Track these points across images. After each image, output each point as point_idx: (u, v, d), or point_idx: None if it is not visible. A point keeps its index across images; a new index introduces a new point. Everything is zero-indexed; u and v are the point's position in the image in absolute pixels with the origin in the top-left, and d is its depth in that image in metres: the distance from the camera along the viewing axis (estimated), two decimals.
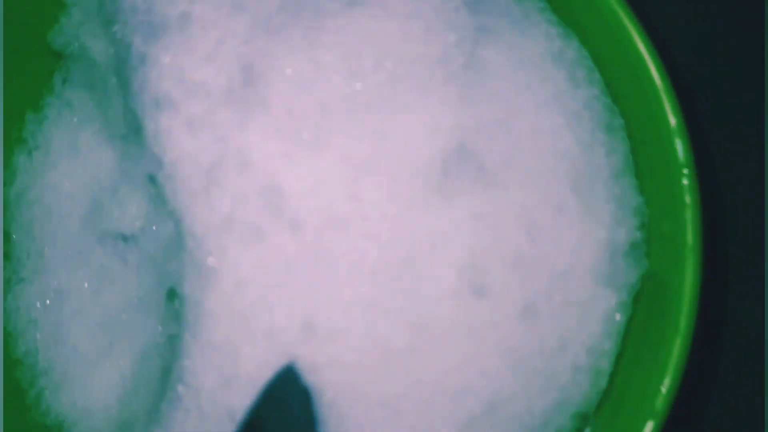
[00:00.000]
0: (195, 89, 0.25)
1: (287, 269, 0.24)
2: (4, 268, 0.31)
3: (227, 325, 0.25)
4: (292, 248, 0.24)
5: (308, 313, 0.24)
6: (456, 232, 0.25)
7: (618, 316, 0.27)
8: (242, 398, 0.24)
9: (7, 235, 0.32)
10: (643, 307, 0.27)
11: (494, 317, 0.26)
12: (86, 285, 0.31)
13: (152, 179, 0.26)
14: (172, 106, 0.25)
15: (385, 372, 0.25)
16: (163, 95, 0.25)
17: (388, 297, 0.25)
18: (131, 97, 0.26)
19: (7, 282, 0.31)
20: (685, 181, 0.27)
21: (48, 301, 0.31)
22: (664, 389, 0.25)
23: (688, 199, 0.27)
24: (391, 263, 0.25)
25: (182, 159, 0.24)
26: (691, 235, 0.26)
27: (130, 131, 0.29)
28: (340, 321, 0.25)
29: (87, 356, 0.31)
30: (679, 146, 0.27)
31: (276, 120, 0.24)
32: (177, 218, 0.25)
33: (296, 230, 0.24)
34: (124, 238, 0.31)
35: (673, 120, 0.27)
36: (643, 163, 0.28)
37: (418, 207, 0.25)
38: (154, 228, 0.29)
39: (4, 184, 0.32)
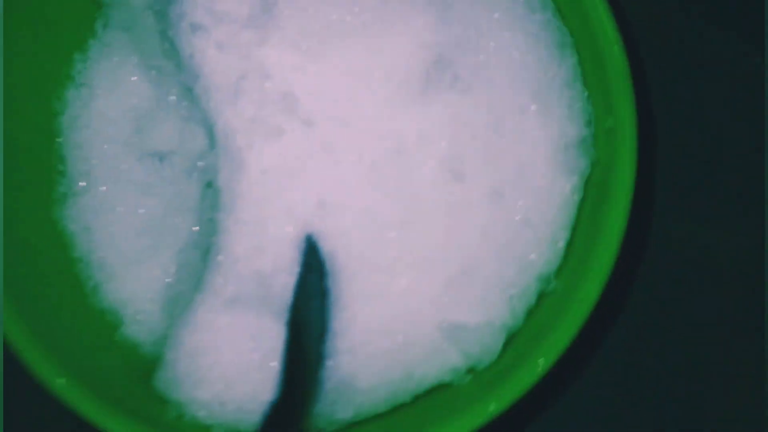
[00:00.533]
0: (222, 17, 0.30)
1: (302, 158, 0.30)
2: (61, 184, 0.37)
3: (255, 206, 0.31)
4: (305, 142, 0.30)
5: (320, 193, 0.30)
6: (437, 128, 0.31)
7: (573, 196, 0.33)
8: (271, 263, 0.30)
9: (62, 157, 0.38)
10: (591, 188, 0.33)
11: (469, 198, 0.32)
12: (129, 196, 0.37)
13: (189, 92, 0.32)
14: (205, 31, 0.30)
15: (381, 241, 0.31)
16: (197, 23, 0.30)
17: (383, 180, 0.31)
18: (169, 26, 0.31)
19: (64, 195, 0.37)
20: (621, 84, 0.33)
21: (98, 211, 0.37)
22: (609, 249, 0.31)
23: (624, 98, 0.33)
24: (385, 153, 0.31)
25: (214, 73, 0.30)
26: (627, 127, 0.33)
27: (166, 60, 0.34)
28: (346, 199, 0.31)
29: (133, 254, 0.36)
30: (615, 54, 0.33)
31: (289, 39, 0.30)
32: (211, 122, 0.31)
33: (308, 127, 0.31)
34: (161, 157, 0.37)
35: (609, 34, 0.33)
36: (587, 73, 0.34)
37: (406, 108, 0.31)
38: (187, 140, 0.35)
39: (58, 114, 0.38)
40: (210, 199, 0.33)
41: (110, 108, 0.38)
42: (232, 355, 0.31)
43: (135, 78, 0.37)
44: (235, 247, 0.31)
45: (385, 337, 0.31)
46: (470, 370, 0.33)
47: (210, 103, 0.31)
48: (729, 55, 0.37)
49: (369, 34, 0.31)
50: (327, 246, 0.30)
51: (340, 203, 0.31)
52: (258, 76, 0.30)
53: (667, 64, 0.36)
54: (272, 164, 0.30)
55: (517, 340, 0.33)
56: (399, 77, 0.31)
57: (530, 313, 0.33)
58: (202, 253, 0.34)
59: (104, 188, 0.37)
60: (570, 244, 0.33)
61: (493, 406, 0.31)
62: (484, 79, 0.32)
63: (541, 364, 0.31)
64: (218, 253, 0.31)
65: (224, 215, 0.31)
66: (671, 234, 0.35)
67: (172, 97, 0.36)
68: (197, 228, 0.35)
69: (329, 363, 0.29)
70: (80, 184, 0.37)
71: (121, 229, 0.37)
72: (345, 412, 0.30)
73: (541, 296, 0.33)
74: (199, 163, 0.33)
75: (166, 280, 0.35)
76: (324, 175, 0.30)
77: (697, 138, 0.36)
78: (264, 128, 0.30)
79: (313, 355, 0.28)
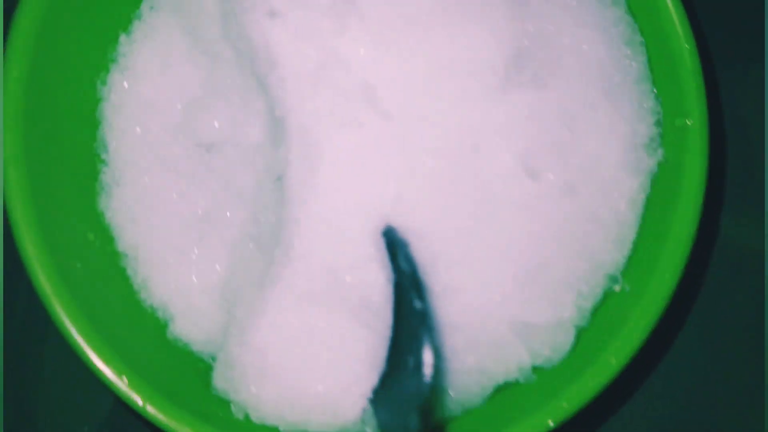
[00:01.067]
0: (301, 3, 0.29)
1: (379, 152, 0.30)
2: (104, 173, 0.36)
3: (329, 199, 0.30)
4: (383, 135, 0.30)
5: (397, 187, 0.30)
6: (513, 124, 0.31)
7: (640, 195, 0.33)
8: (345, 258, 0.30)
9: (105, 145, 0.36)
10: (660, 187, 0.33)
11: (541, 194, 0.31)
12: (175, 187, 0.36)
13: (247, 80, 0.31)
14: (282, 18, 0.29)
15: (456, 236, 0.31)
16: (275, 9, 0.29)
17: (458, 175, 0.30)
18: (243, 11, 0.30)
19: (108, 186, 0.36)
20: (692, 84, 0.33)
21: (143, 202, 0.36)
22: (680, 249, 0.32)
23: (695, 98, 0.33)
24: (461, 148, 0.31)
25: (293, 62, 0.29)
26: (698, 126, 0.33)
27: (224, 46, 0.33)
28: (422, 194, 0.30)
29: (181, 248, 0.35)
30: (686, 55, 0.33)
31: (369, 29, 0.29)
32: (280, 113, 0.30)
33: (387, 120, 0.30)
34: (208, 148, 0.36)
35: (680, 32, 0.33)
36: (657, 72, 0.34)
37: (483, 102, 0.31)
38: (241, 131, 0.34)
39: (101, 100, 0.36)
40: (274, 192, 0.31)
41: (157, 94, 0.36)
42: (301, 352, 0.30)
43: (184, 64, 0.36)
44: (307, 240, 0.30)
45: (457, 331, 0.31)
46: (537, 369, 0.32)
47: (285, 93, 0.30)
48: None
49: (449, 27, 0.30)
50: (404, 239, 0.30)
51: (417, 198, 0.30)
52: (337, 67, 0.29)
53: (738, 63, 0.36)
54: (348, 157, 0.29)
55: (584, 339, 0.33)
56: (478, 71, 0.30)
57: (597, 312, 0.33)
58: (260, 246, 0.33)
59: (148, 178, 0.35)
60: (638, 244, 0.33)
61: (566, 406, 0.31)
62: (558, 75, 0.32)
63: (614, 363, 0.31)
64: (289, 248, 0.30)
65: (295, 208, 0.30)
66: (739, 236, 0.35)
67: (227, 85, 0.35)
68: (254, 220, 0.34)
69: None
70: (125, 175, 0.36)
71: (167, 221, 0.35)
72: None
73: (608, 295, 0.33)
74: (259, 157, 0.32)
75: (219, 274, 0.34)
76: (401, 169, 0.30)
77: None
78: (342, 120, 0.29)
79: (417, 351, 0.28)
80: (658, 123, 0.33)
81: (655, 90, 0.33)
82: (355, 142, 0.30)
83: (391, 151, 0.30)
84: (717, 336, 0.36)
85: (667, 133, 0.33)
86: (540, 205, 0.32)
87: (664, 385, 0.35)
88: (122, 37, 0.36)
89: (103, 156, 0.36)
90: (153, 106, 0.36)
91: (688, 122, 0.32)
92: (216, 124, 0.35)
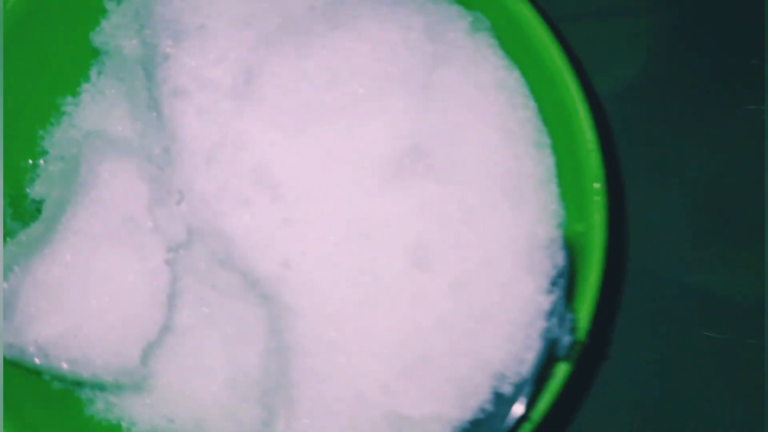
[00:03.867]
0: (205, 84, 0.31)
1: (269, 230, 0.30)
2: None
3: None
4: (273, 215, 0.31)
5: (285, 258, 0.30)
6: (406, 215, 0.31)
7: (537, 296, 0.33)
8: None
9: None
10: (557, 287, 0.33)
11: (431, 288, 0.32)
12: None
13: (166, 151, 0.32)
14: (187, 96, 0.31)
15: (338, 320, 0.31)
16: (181, 87, 0.31)
17: (346, 261, 0.31)
18: (155, 86, 0.32)
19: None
20: (596, 195, 0.33)
21: None
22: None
23: (597, 208, 0.33)
24: (352, 235, 0.31)
25: (191, 137, 0.31)
26: (597, 236, 0.33)
27: (151, 115, 0.35)
28: (306, 276, 0.31)
29: None
30: (593, 164, 0.33)
31: (268, 113, 0.31)
32: (183, 182, 0.31)
33: (277, 201, 0.31)
34: None
35: (589, 144, 0.33)
36: (563, 175, 0.34)
37: (377, 192, 0.31)
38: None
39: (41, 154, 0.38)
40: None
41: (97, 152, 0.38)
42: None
43: (120, 127, 0.38)
44: None
45: (331, 417, 0.31)
46: None
47: (183, 165, 0.31)
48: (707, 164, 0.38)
49: (347, 116, 0.31)
50: (286, 316, 0.30)
51: (300, 278, 0.31)
52: (233, 145, 0.31)
53: (644, 169, 0.37)
54: (238, 232, 0.30)
55: None
56: (372, 162, 0.31)
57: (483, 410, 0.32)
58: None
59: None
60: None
61: None
62: (458, 171, 0.32)
63: None
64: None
65: None
66: (634, 338, 0.35)
67: (156, 153, 0.36)
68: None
69: None
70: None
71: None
72: None
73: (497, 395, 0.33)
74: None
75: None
76: (290, 246, 0.31)
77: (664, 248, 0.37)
78: (232, 198, 0.31)
79: None
80: (559, 226, 0.33)
81: (559, 193, 0.34)
82: (245, 219, 0.31)
83: (279, 230, 0.31)
84: None
85: (567, 236, 0.33)
86: (429, 298, 0.32)
87: None
88: (68, 98, 0.39)
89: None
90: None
91: (583, 229, 0.32)
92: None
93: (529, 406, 0.30)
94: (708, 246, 0.37)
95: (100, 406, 0.36)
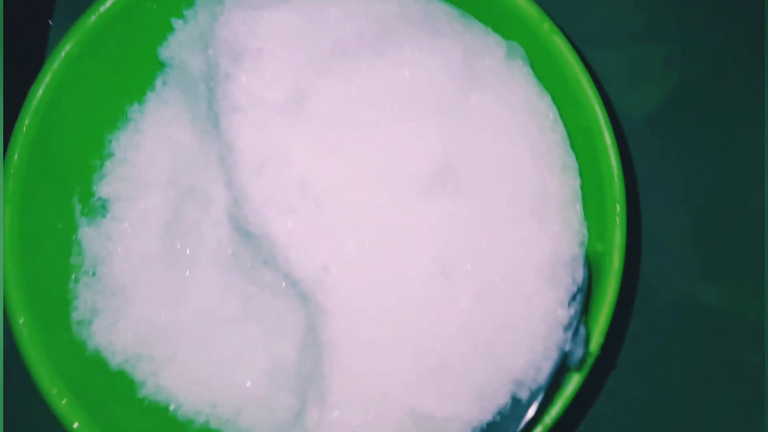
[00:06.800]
0: (260, 101, 0.34)
1: (310, 236, 0.33)
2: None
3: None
4: (314, 223, 0.34)
5: (324, 263, 0.33)
6: (435, 227, 0.34)
7: (556, 310, 0.35)
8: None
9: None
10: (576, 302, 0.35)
11: (454, 295, 0.34)
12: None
13: (223, 161, 0.35)
14: (244, 112, 0.34)
15: (372, 322, 0.34)
16: (239, 103, 0.34)
17: (380, 268, 0.34)
18: (215, 101, 0.35)
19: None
20: (616, 218, 0.35)
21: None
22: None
23: (617, 230, 0.35)
24: (385, 244, 0.34)
25: (246, 149, 0.34)
26: (616, 256, 0.35)
27: (211, 126, 0.38)
28: (341, 278, 0.33)
29: None
30: (616, 189, 0.35)
31: (313, 131, 0.34)
32: (236, 189, 0.34)
33: (318, 210, 0.34)
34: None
35: (613, 170, 0.35)
36: (587, 197, 0.36)
37: (409, 205, 0.34)
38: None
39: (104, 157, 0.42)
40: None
41: (156, 156, 0.42)
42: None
43: (183, 134, 0.41)
44: None
45: (359, 411, 0.34)
46: None
47: (238, 173, 0.34)
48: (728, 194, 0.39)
49: (385, 135, 0.34)
50: (322, 319, 0.33)
51: (335, 280, 0.33)
52: (281, 160, 0.34)
53: (664, 196, 0.39)
54: (285, 237, 0.33)
55: None
56: (406, 177, 0.34)
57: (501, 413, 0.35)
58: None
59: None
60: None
61: None
62: (487, 189, 0.35)
63: None
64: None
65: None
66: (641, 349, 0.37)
67: (212, 159, 0.40)
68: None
69: None
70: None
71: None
72: None
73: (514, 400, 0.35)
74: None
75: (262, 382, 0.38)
76: (328, 252, 0.33)
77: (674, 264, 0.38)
78: (279, 206, 0.34)
79: None
80: (581, 245, 0.36)
81: (582, 213, 0.36)
82: (289, 224, 0.34)
83: (319, 237, 0.34)
84: None
85: (589, 255, 0.35)
86: (452, 306, 0.34)
87: None
88: (134, 105, 0.42)
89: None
90: (150, 166, 0.41)
91: (602, 249, 0.34)
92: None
93: (541, 411, 0.33)
94: (716, 265, 0.39)
95: (150, 389, 0.39)
